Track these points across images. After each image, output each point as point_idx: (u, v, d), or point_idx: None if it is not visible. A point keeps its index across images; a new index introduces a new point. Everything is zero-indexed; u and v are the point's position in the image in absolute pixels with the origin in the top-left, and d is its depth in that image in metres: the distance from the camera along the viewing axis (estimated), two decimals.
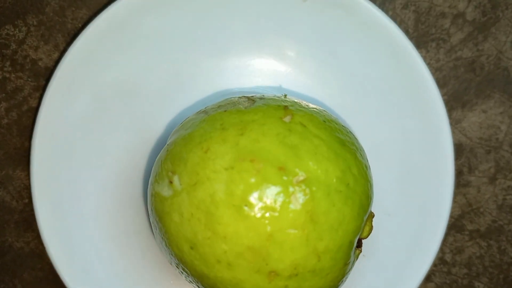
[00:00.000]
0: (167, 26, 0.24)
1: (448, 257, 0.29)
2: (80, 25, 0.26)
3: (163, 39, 0.25)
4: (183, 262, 0.19)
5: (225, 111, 0.20)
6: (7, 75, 0.26)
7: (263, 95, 0.21)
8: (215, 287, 0.19)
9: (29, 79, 0.26)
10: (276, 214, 0.18)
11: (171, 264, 0.21)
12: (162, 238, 0.20)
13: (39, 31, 0.26)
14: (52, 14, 0.26)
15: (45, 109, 0.24)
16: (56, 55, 0.26)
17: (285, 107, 0.20)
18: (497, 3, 0.27)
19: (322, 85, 0.25)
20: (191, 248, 0.19)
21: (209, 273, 0.19)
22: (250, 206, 0.18)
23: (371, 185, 0.20)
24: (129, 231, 0.25)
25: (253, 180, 0.18)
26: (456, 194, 0.28)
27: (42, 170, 0.24)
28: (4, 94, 0.26)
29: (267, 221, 0.18)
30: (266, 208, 0.18)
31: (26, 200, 0.27)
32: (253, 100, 0.21)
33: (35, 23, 0.26)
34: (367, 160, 0.21)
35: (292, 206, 0.18)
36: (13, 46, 0.26)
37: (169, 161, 0.20)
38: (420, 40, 0.27)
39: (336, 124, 0.20)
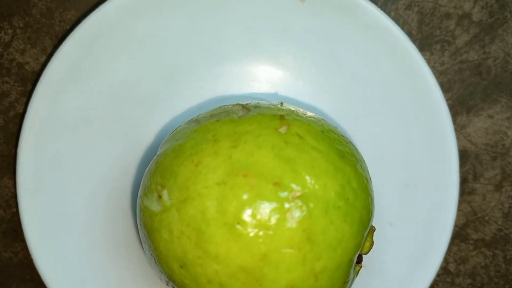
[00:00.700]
0: (159, 30, 0.23)
1: (451, 267, 0.28)
2: (68, 28, 0.25)
3: (155, 43, 0.24)
4: (173, 281, 0.18)
5: (217, 120, 0.19)
6: None
7: (258, 103, 0.20)
8: None
9: (16, 84, 0.25)
10: (271, 232, 0.17)
11: (161, 280, 0.20)
12: (151, 254, 0.19)
13: (26, 33, 0.25)
14: (39, 16, 0.25)
15: (31, 116, 0.23)
16: (43, 58, 0.25)
17: (281, 117, 0.19)
18: (505, 3, 0.26)
19: (321, 90, 0.24)
20: (181, 267, 0.18)
21: None
22: (243, 224, 0.17)
23: (372, 199, 0.19)
24: (120, 243, 0.24)
25: (246, 196, 0.17)
26: (460, 202, 0.27)
27: (28, 179, 0.23)
28: None
29: (261, 240, 0.17)
30: (260, 226, 0.17)
31: (14, 209, 0.26)
32: (247, 109, 0.19)
33: (21, 25, 0.25)
34: (368, 172, 0.20)
35: (288, 224, 0.17)
36: None
37: (159, 174, 0.19)
38: (424, 42, 0.26)
39: (335, 134, 0.19)
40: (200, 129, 0.19)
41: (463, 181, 0.27)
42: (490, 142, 0.27)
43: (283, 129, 0.18)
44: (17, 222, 0.26)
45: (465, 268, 0.28)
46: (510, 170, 0.27)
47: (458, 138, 0.27)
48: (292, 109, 0.20)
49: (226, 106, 0.20)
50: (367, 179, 0.19)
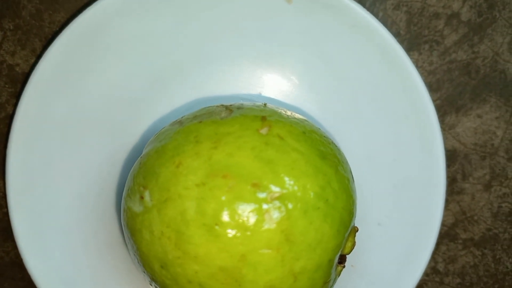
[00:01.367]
0: (147, 31, 0.24)
1: (440, 267, 0.28)
2: (58, 29, 0.25)
3: (142, 44, 0.24)
4: (155, 281, 0.19)
5: (200, 122, 0.19)
6: None
7: (242, 104, 0.20)
8: None
9: (6, 85, 0.25)
10: (249, 233, 0.17)
11: (145, 280, 0.20)
12: (134, 255, 0.19)
13: (16, 35, 0.25)
14: (29, 18, 0.25)
15: (20, 116, 0.23)
16: (33, 60, 0.25)
17: (263, 118, 0.19)
18: (494, 3, 0.26)
19: (308, 91, 0.25)
20: (162, 267, 0.18)
21: None
22: (222, 225, 0.17)
23: (354, 200, 0.19)
24: (107, 242, 0.24)
25: (224, 197, 0.17)
26: (449, 201, 0.27)
27: (17, 180, 0.23)
28: None
29: (239, 241, 0.17)
30: (238, 227, 0.17)
31: (5, 209, 0.26)
32: (230, 110, 0.20)
33: (11, 27, 0.25)
34: (351, 173, 0.20)
35: (266, 225, 0.17)
36: None
37: (141, 175, 0.19)
38: (412, 42, 0.26)
39: (317, 135, 0.19)
40: (183, 131, 0.19)
41: (452, 180, 0.27)
42: (479, 142, 0.27)
43: (264, 130, 0.18)
44: (8, 222, 0.26)
45: (454, 268, 0.28)
46: (499, 170, 0.27)
47: (447, 138, 0.27)
48: (275, 110, 0.20)
49: (210, 108, 0.20)
50: (348, 180, 0.19)
